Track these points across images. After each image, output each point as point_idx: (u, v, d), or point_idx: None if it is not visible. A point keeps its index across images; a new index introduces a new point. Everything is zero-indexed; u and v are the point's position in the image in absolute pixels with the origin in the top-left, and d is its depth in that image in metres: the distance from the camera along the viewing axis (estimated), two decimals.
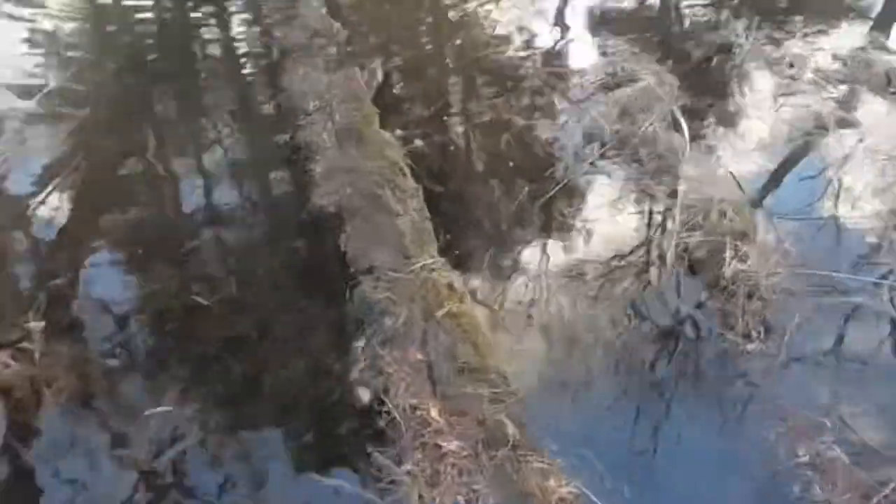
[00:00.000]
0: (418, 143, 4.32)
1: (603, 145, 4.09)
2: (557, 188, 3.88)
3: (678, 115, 4.15)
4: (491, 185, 4.01)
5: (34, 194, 3.95)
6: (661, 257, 3.48)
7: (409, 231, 3.56)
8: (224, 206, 3.95)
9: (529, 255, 3.63)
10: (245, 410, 2.94)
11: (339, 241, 3.62)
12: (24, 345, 3.10)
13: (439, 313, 3.09)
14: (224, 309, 3.28)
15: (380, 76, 4.89)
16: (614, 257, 3.55)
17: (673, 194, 3.70)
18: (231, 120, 4.58)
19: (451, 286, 3.23)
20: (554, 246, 3.67)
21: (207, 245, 3.66)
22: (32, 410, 2.93)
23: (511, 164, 4.16)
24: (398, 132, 4.42)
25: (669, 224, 3.62)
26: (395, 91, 4.98)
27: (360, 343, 3.10)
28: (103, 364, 3.07)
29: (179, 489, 2.72)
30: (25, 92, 4.61)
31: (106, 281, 3.47)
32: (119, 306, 3.35)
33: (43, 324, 3.21)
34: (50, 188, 3.96)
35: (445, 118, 4.58)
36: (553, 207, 3.87)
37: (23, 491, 2.71)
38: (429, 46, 5.46)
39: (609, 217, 3.78)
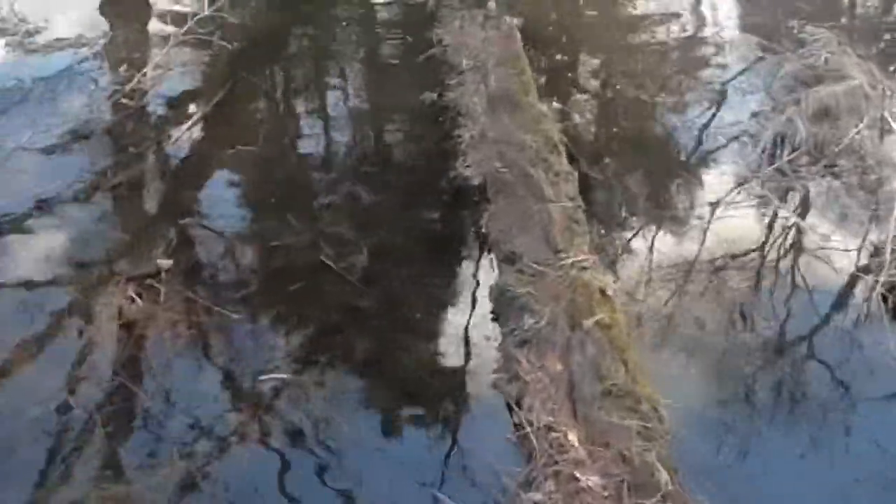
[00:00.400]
0: (576, 119, 3.89)
1: (794, 149, 3.52)
2: (734, 193, 3.37)
3: (893, 123, 3.50)
4: (656, 181, 3.55)
5: (175, 123, 3.86)
6: (860, 293, 2.93)
7: (560, 220, 3.17)
8: (361, 162, 3.71)
9: (691, 266, 3.17)
10: (362, 392, 2.70)
11: (480, 219, 3.30)
12: (152, 281, 3.01)
13: (588, 322, 2.71)
14: (352, 275, 3.05)
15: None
16: (797, 285, 3.04)
17: (880, 219, 3.11)
18: (377, 71, 4.32)
19: (603, 291, 2.84)
20: (723, 261, 3.18)
21: (340, 203, 3.44)
22: (150, 351, 2.82)
23: (681, 157, 3.67)
24: (554, 104, 4.01)
25: (870, 255, 3.06)
26: (552, 58, 4.55)
27: (495, 338, 2.80)
28: (224, 315, 2.92)
29: (277, 463, 2.52)
30: (179, 16, 4.54)
31: (236, 226, 3.32)
32: (246, 255, 3.19)
33: (171, 262, 3.10)
34: (190, 121, 3.84)
35: (608, 95, 4.13)
36: (726, 215, 3.36)
37: (127, 427, 2.60)
38: (593, 13, 4.96)
39: (793, 237, 3.24)
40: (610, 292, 2.83)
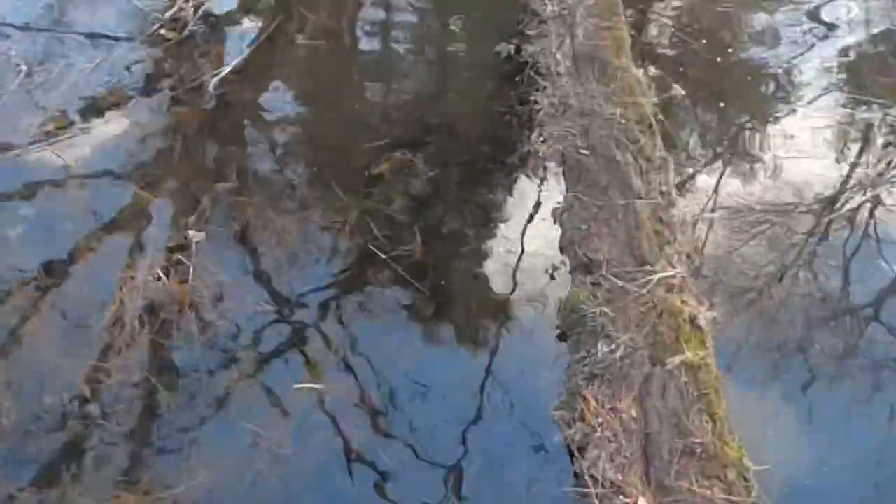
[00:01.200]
0: (677, 91, 3.31)
1: None
2: (855, 202, 2.82)
3: None
4: (765, 182, 2.99)
5: (218, 64, 3.42)
6: None
7: (649, 221, 2.71)
8: (420, 126, 3.23)
9: (801, 290, 2.69)
10: (405, 412, 2.39)
11: (552, 210, 2.86)
12: (181, 256, 2.70)
13: (673, 360, 2.31)
14: (404, 267, 2.68)
15: None
16: None
17: None
18: (446, 13, 3.74)
19: (693, 321, 2.41)
20: (835, 283, 2.70)
21: (395, 174, 3.01)
22: (174, 339, 2.53)
23: (795, 148, 3.10)
24: (650, 69, 3.44)
25: None
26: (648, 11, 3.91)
27: (560, 361, 2.43)
28: (257, 304, 2.61)
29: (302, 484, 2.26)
30: None
31: (277, 196, 2.94)
32: (286, 232, 2.83)
33: (203, 234, 2.78)
34: (234, 62, 3.40)
35: (717, 61, 3.50)
36: (843, 228, 2.83)
37: (148, 427, 2.36)
38: None
39: None
40: (703, 323, 2.41)
